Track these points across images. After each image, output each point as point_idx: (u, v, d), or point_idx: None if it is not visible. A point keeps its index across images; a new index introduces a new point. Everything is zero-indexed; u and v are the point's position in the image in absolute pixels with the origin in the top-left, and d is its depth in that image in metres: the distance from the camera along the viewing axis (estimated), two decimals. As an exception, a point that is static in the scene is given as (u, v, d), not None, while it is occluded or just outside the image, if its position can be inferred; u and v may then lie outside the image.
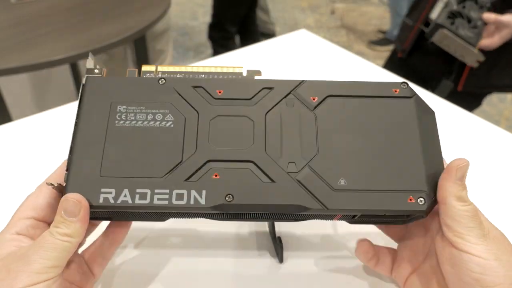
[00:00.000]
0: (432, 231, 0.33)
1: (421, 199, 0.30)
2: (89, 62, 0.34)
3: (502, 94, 2.12)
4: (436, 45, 0.92)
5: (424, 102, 0.34)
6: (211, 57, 0.75)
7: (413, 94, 0.34)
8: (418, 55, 1.07)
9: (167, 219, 0.34)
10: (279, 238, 0.40)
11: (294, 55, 0.77)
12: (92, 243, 0.34)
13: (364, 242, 0.36)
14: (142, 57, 1.30)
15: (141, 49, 1.30)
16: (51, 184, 0.30)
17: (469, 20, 0.86)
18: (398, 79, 0.70)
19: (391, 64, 1.14)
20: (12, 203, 0.45)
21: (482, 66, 0.93)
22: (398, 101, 0.33)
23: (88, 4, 1.15)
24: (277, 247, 0.39)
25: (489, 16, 0.86)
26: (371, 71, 0.73)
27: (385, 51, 2.47)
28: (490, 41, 0.89)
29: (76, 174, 0.30)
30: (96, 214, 0.31)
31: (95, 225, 0.36)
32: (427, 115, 0.33)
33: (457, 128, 0.60)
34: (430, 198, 0.30)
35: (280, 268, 0.39)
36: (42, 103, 1.48)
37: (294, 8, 2.98)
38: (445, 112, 0.64)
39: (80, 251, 0.34)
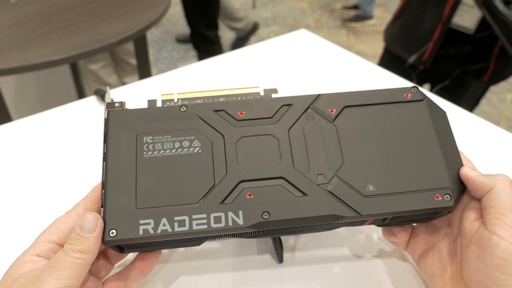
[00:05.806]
0: (455, 215, 0.35)
1: (447, 195, 0.32)
2: (108, 96, 0.34)
3: (502, 94, 2.12)
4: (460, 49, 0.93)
5: (434, 103, 0.35)
6: (212, 57, 0.75)
7: (424, 97, 0.35)
8: (443, 62, 1.03)
9: (202, 243, 0.34)
10: (279, 238, 0.40)
11: (294, 55, 0.77)
12: (117, 273, 0.33)
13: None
14: (142, 57, 1.30)
15: (141, 49, 1.30)
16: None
17: None
18: (399, 78, 0.70)
19: (405, 76, 1.04)
20: (12, 203, 0.45)
21: (502, 61, 0.96)
22: (411, 105, 0.35)
23: (88, 4, 1.15)
24: (277, 247, 0.39)
25: None
26: (371, 71, 0.73)
27: (362, 27, 2.72)
28: None
29: (112, 210, 0.30)
30: (130, 246, 0.31)
31: (121, 258, 0.35)
32: (439, 115, 0.35)
33: (457, 128, 0.60)
34: (455, 193, 0.32)
35: (280, 268, 0.39)
36: (42, 103, 1.49)
37: (294, 8, 2.98)
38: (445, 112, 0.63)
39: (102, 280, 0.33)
